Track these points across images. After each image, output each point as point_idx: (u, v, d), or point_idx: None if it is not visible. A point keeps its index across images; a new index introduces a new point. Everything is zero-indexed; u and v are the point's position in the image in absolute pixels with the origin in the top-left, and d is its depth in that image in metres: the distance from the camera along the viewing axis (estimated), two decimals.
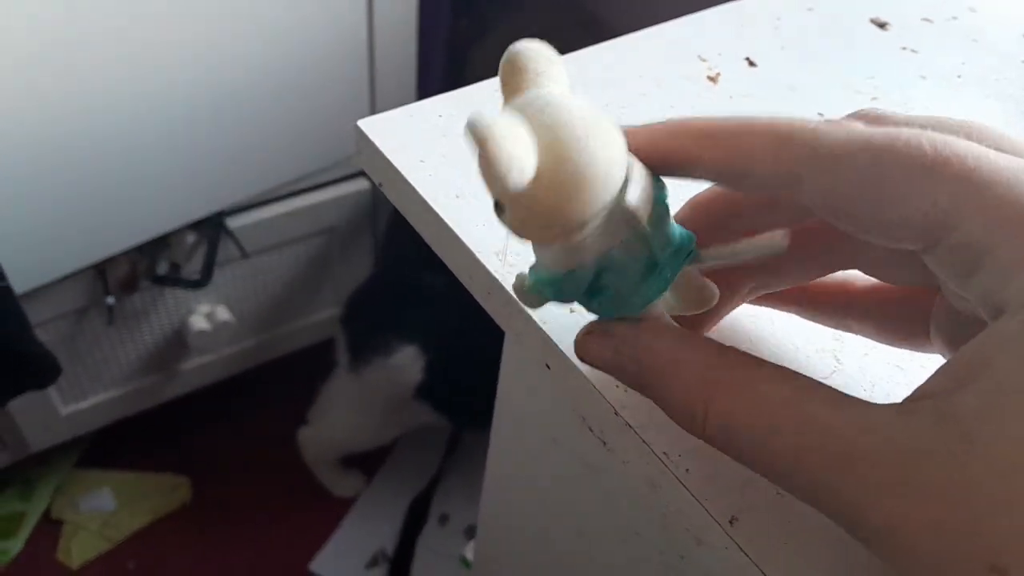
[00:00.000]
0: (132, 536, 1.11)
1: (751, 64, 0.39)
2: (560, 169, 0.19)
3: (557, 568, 0.46)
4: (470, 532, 1.16)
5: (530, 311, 0.27)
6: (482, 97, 0.35)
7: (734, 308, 0.26)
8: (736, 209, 0.23)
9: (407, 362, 0.97)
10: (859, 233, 0.20)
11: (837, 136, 0.19)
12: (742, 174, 0.20)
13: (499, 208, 0.20)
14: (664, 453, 0.24)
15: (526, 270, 0.23)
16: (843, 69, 0.40)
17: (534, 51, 0.21)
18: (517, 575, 0.52)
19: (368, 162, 0.33)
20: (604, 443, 0.26)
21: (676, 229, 0.21)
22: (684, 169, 0.21)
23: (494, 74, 0.22)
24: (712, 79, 0.38)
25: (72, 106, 0.74)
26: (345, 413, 1.09)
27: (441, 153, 0.32)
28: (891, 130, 0.19)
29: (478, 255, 0.28)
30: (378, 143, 0.32)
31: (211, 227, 0.93)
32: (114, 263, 0.88)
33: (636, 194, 0.20)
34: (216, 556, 1.10)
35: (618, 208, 0.20)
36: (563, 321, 0.26)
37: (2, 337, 0.75)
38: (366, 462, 1.21)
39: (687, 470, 0.23)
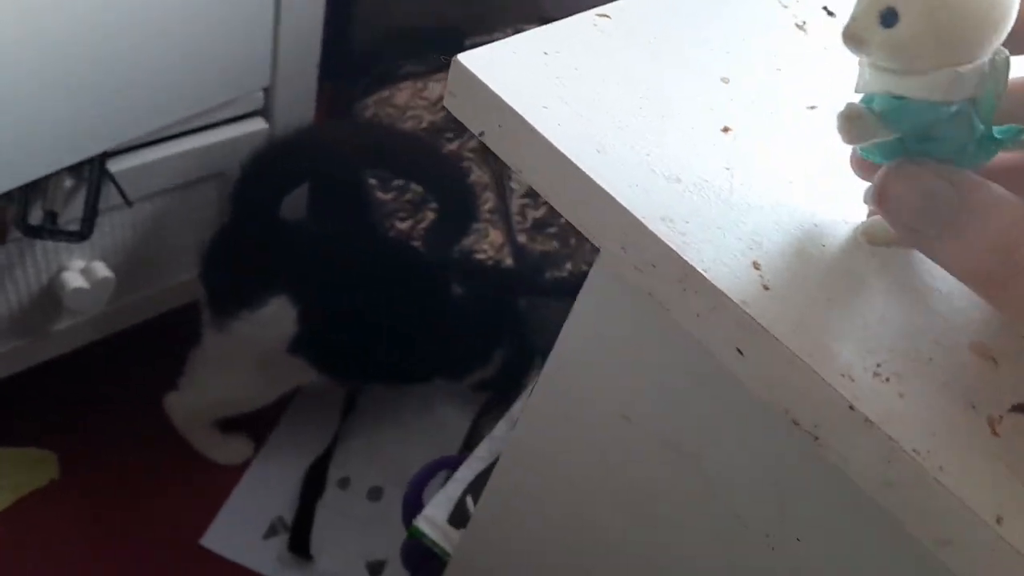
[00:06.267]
0: None
1: (829, 14, 0.37)
2: None
3: (560, 560, 0.43)
4: (373, 494, 1.11)
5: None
6: (580, 30, 0.31)
7: None
8: None
9: (277, 313, 0.90)
10: None
11: None
12: None
13: (885, 20, 0.21)
14: (914, 450, 0.21)
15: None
16: None
17: None
18: (503, 566, 0.49)
19: (465, 106, 0.28)
20: (816, 438, 0.23)
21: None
22: None
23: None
24: (800, 27, 0.35)
25: None
26: (214, 373, 1.01)
27: (561, 98, 0.27)
28: None
29: (643, 220, 0.24)
30: (491, 84, 0.27)
31: (92, 171, 0.81)
32: None
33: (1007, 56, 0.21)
34: (95, 537, 0.99)
35: (999, 60, 0.21)
36: (765, 303, 0.23)
37: None
38: (254, 427, 1.12)
39: (941, 467, 0.21)
